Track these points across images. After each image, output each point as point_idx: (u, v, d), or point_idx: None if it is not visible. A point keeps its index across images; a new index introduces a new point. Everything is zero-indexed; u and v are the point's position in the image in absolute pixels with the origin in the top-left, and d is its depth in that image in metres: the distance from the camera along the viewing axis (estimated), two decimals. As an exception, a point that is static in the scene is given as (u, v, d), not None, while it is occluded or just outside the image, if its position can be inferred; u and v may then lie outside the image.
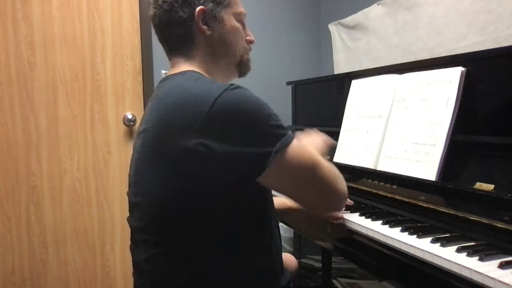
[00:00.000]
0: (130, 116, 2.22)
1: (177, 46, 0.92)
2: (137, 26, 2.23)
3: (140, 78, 2.25)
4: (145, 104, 2.27)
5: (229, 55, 0.96)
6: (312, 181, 0.83)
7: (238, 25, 0.96)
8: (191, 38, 0.91)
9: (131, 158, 0.94)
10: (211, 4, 0.90)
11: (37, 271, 2.10)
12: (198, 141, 0.73)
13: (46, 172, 2.09)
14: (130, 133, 2.25)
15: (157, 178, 0.80)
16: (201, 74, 0.88)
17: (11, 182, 2.03)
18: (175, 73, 0.90)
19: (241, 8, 0.97)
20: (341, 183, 0.88)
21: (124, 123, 2.22)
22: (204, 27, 0.90)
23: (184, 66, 0.92)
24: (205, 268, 0.81)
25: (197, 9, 0.89)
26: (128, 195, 0.93)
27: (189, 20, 0.89)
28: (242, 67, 0.99)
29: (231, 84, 0.78)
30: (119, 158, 2.23)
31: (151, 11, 0.93)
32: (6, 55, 1.99)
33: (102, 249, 2.23)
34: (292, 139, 0.80)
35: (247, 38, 0.99)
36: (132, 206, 0.91)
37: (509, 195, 0.87)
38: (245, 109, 0.76)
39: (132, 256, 0.93)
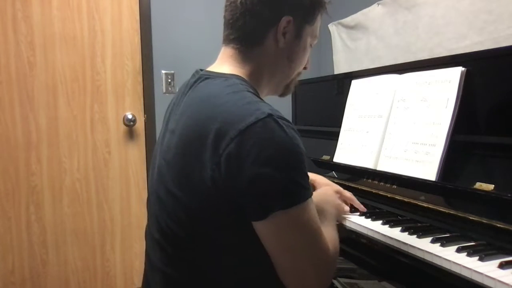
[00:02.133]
0: (130, 116, 2.22)
1: (240, 37, 0.83)
2: (137, 26, 2.23)
3: (140, 78, 2.25)
4: (145, 104, 2.27)
5: (286, 74, 0.90)
6: (306, 253, 0.74)
7: (309, 47, 0.91)
8: (261, 39, 0.83)
9: (156, 148, 0.90)
10: (300, 18, 0.84)
11: (37, 271, 2.10)
12: (214, 164, 0.70)
13: (46, 172, 2.09)
14: (130, 133, 2.25)
15: (173, 188, 0.77)
16: (246, 83, 0.81)
17: (11, 182, 2.03)
18: (218, 73, 0.83)
19: (318, 32, 0.92)
20: (334, 264, 0.79)
21: (124, 123, 2.22)
22: (282, 38, 0.83)
23: (231, 65, 0.84)
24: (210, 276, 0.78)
25: (285, 18, 0.82)
26: (148, 182, 0.91)
27: (270, 23, 0.82)
28: (288, 89, 0.95)
29: (272, 113, 0.70)
30: (119, 158, 2.24)
31: None
32: (6, 55, 1.99)
33: (102, 249, 2.23)
34: (305, 199, 0.72)
35: (306, 64, 0.94)
36: (150, 197, 0.89)
37: (509, 195, 0.87)
38: (277, 150, 0.68)
39: (146, 246, 0.90)
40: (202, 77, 0.84)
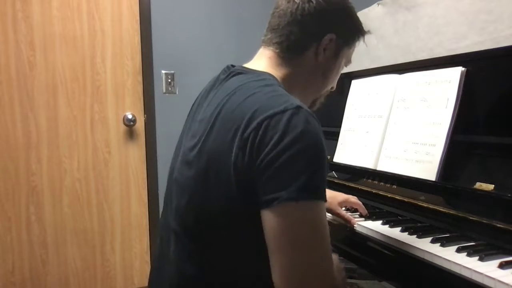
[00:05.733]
0: (130, 116, 2.22)
1: (283, 43, 0.85)
2: (137, 26, 2.23)
3: (140, 78, 2.25)
4: (145, 104, 2.27)
5: (318, 88, 0.92)
6: (311, 252, 0.67)
7: (341, 68, 0.93)
8: (302, 50, 0.85)
9: (179, 140, 0.89)
10: (342, 39, 0.87)
11: (37, 271, 2.10)
12: (238, 148, 0.69)
13: (46, 172, 2.09)
14: (130, 133, 2.25)
15: (195, 176, 0.77)
16: (277, 82, 0.82)
17: (11, 182, 2.03)
18: (250, 70, 0.84)
19: (351, 57, 0.95)
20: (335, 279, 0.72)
21: (124, 123, 2.22)
22: (322, 53, 0.86)
23: (267, 65, 0.85)
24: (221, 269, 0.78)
25: (329, 35, 0.84)
26: (168, 174, 0.90)
27: (315, 37, 0.85)
28: (314, 105, 0.95)
29: (301, 106, 0.70)
30: (119, 158, 2.24)
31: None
32: (6, 55, 1.99)
33: (102, 249, 2.23)
34: (320, 199, 0.68)
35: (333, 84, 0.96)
36: (172, 187, 0.87)
37: (509, 195, 0.87)
38: (300, 138, 0.66)
39: (159, 239, 0.90)
40: (234, 71, 0.85)
